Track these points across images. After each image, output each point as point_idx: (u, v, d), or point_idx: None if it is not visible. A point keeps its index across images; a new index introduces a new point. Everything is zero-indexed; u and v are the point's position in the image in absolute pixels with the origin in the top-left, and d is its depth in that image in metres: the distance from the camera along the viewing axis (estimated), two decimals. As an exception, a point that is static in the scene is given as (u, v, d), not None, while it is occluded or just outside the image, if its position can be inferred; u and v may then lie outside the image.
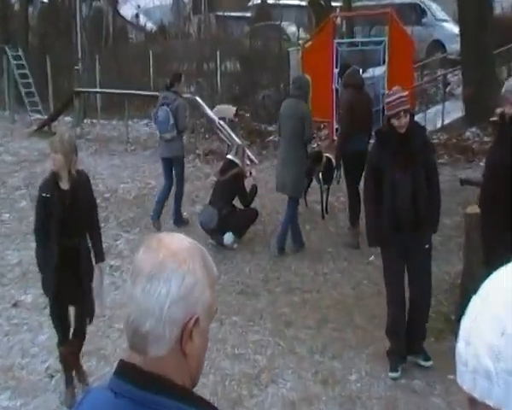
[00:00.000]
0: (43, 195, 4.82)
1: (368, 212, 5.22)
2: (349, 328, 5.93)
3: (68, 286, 4.80)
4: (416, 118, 12.43)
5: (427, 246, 5.05)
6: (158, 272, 1.26)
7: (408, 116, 4.91)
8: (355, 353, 5.49)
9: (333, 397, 4.88)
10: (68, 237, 4.78)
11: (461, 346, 0.95)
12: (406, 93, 5.15)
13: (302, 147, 7.64)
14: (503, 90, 4.75)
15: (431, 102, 14.41)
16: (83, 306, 4.94)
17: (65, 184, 4.81)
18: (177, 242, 1.33)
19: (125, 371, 1.29)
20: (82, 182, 4.90)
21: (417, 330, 5.17)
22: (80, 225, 4.85)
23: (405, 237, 4.96)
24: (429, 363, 5.18)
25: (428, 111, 13.24)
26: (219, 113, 13.97)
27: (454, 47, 16.34)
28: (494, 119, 6.22)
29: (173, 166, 8.88)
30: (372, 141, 6.70)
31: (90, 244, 5.02)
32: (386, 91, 5.02)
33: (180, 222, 8.93)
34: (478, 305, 0.94)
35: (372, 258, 7.11)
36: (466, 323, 0.95)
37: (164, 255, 1.28)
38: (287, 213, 7.81)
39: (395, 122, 4.89)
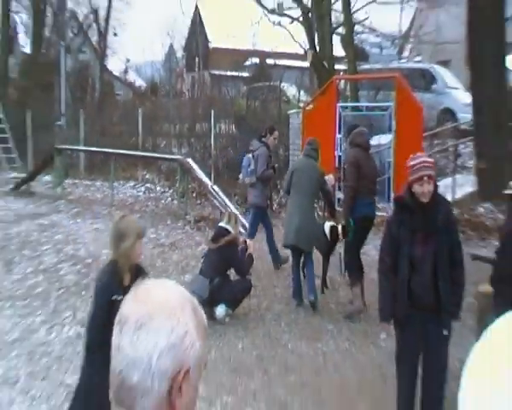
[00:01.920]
0: (113, 298, 3.88)
1: (383, 285, 5.10)
2: (350, 415, 5.92)
3: None
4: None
5: (445, 332, 4.88)
6: (146, 322, 1.30)
7: (432, 184, 4.86)
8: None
9: None
10: None
11: None
12: (432, 160, 5.18)
13: (313, 205, 8.98)
14: None
15: (441, 174, 14.64)
16: None
17: (127, 281, 4.10)
18: (166, 291, 1.38)
19: None
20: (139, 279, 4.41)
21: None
22: None
23: (424, 317, 4.87)
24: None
25: (438, 184, 13.41)
26: None
27: (466, 116, 16.78)
28: (509, 192, 6.38)
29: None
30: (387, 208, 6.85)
31: None
32: (412, 156, 5.01)
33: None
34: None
35: (384, 336, 7.17)
36: None
37: (152, 306, 1.32)
38: (308, 266, 8.68)
39: (417, 189, 4.82)
